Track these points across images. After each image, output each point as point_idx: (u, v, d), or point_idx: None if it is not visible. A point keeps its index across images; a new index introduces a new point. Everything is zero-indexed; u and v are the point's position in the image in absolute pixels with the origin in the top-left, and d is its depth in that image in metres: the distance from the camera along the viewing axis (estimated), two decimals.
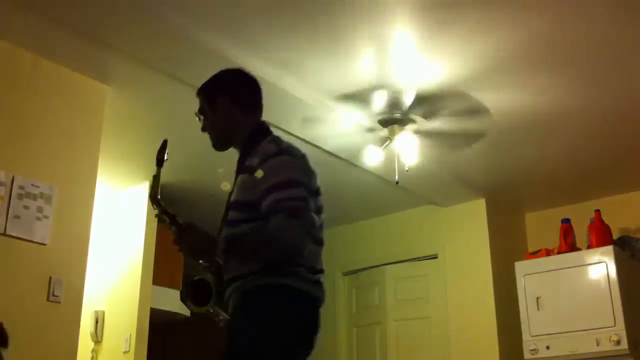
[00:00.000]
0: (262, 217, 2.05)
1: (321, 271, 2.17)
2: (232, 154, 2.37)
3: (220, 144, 2.37)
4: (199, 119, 2.36)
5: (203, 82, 2.41)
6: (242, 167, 2.20)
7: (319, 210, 2.17)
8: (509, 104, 4.06)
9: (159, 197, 2.28)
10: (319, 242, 2.17)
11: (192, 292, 2.25)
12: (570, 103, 4.07)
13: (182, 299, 2.27)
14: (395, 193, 5.29)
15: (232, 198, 2.21)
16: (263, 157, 2.12)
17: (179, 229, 2.23)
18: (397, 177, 4.34)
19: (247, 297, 2.09)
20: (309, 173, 2.19)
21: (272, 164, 2.09)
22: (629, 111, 4.20)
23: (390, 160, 4.33)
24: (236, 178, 2.22)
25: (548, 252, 5.18)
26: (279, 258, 2.07)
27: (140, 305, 4.72)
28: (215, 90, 2.38)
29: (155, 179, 2.30)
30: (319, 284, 2.15)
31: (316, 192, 2.20)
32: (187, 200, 5.41)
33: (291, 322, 2.07)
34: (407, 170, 4.30)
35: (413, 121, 4.16)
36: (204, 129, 2.37)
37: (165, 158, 2.32)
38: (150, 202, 2.31)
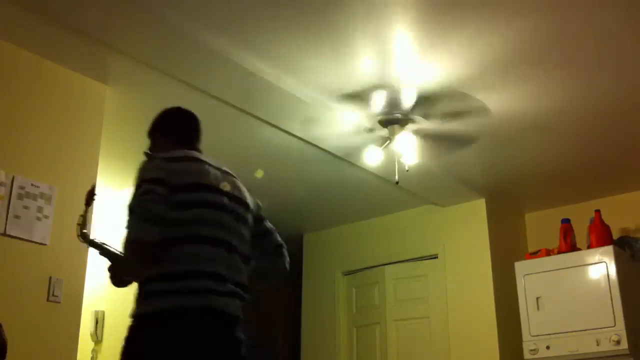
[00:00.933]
0: None
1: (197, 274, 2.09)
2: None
3: None
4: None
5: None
6: None
7: (180, 205, 2.16)
8: (510, 104, 4.05)
9: (87, 232, 2.44)
10: (191, 239, 2.13)
11: None
12: (571, 103, 4.07)
13: None
14: (395, 193, 5.29)
15: None
16: None
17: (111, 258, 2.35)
18: (397, 177, 4.34)
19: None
20: (160, 169, 2.23)
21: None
22: (629, 111, 4.20)
23: (390, 160, 4.33)
24: None
25: (548, 252, 5.18)
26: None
27: None
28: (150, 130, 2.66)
29: (84, 218, 2.45)
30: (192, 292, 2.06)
31: (182, 188, 2.20)
32: None
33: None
34: (407, 170, 4.29)
35: (413, 121, 4.16)
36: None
37: (94, 199, 2.49)
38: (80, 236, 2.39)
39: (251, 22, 3.26)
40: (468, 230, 5.53)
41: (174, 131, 2.67)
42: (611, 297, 4.67)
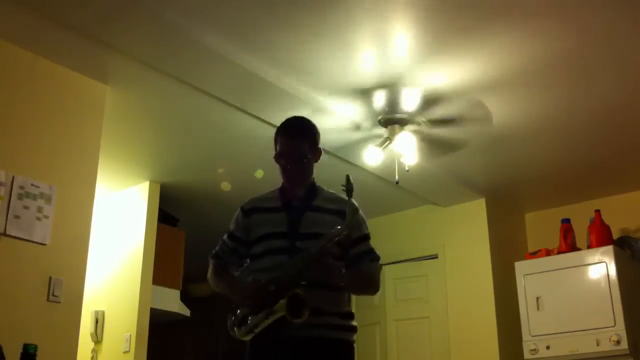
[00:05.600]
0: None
1: None
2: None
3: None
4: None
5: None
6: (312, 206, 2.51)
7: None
8: (510, 104, 4.05)
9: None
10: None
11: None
12: (571, 103, 4.07)
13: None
14: (395, 193, 5.29)
15: (318, 231, 2.42)
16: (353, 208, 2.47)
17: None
18: (397, 177, 4.34)
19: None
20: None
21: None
22: (629, 111, 4.19)
23: (390, 160, 4.33)
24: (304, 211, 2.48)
25: (548, 252, 5.18)
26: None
27: (140, 305, 4.72)
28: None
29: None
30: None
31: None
32: (187, 200, 5.42)
33: None
34: (407, 170, 4.29)
35: (413, 121, 4.16)
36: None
37: None
38: None
39: (251, 22, 3.26)
40: (468, 230, 5.52)
41: None
42: (611, 297, 4.66)
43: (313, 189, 2.56)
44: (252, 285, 2.37)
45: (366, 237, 2.57)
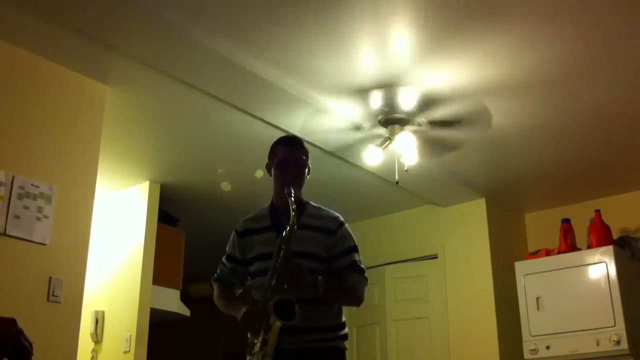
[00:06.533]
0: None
1: None
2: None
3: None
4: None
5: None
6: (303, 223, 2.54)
7: None
8: (510, 104, 4.05)
9: None
10: None
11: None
12: (571, 103, 4.07)
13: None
14: (395, 193, 5.29)
15: (302, 249, 2.49)
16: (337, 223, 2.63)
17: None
18: (397, 177, 4.34)
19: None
20: None
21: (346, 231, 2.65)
22: (629, 111, 4.19)
23: (390, 160, 4.33)
24: (286, 239, 2.46)
25: (548, 252, 5.18)
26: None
27: (140, 305, 4.72)
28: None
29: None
30: None
31: None
32: (187, 200, 5.42)
33: None
34: (406, 171, 4.29)
35: (413, 121, 4.15)
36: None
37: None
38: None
39: (251, 22, 3.25)
40: (468, 230, 5.53)
41: None
42: (611, 297, 4.67)
43: (300, 205, 2.61)
44: (243, 315, 2.45)
45: (351, 250, 2.64)
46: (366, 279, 2.65)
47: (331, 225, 2.61)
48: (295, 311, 2.29)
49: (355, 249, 2.67)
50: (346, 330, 2.61)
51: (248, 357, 2.39)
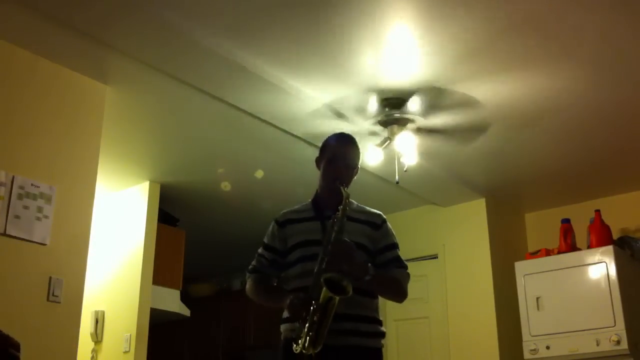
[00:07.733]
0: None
1: None
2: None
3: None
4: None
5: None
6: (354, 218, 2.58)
7: None
8: (509, 102, 4.05)
9: None
10: None
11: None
12: (571, 102, 4.06)
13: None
14: (395, 193, 5.29)
15: (350, 239, 2.46)
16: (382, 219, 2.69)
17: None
18: (397, 177, 4.34)
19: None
20: None
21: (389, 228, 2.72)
22: (630, 111, 4.19)
23: (390, 160, 4.33)
24: (340, 220, 2.48)
25: (548, 252, 5.18)
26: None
27: (140, 305, 4.72)
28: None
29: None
30: None
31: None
32: (187, 200, 5.42)
33: None
34: (405, 171, 4.29)
35: (413, 121, 4.15)
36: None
37: None
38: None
39: (251, 22, 3.25)
40: (468, 230, 5.52)
41: None
42: (611, 297, 4.66)
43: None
44: (290, 302, 2.41)
45: (395, 246, 2.69)
46: (409, 275, 2.67)
47: (376, 220, 2.65)
48: (345, 286, 2.26)
49: (397, 245, 2.71)
50: (384, 328, 2.62)
51: (294, 345, 2.34)
